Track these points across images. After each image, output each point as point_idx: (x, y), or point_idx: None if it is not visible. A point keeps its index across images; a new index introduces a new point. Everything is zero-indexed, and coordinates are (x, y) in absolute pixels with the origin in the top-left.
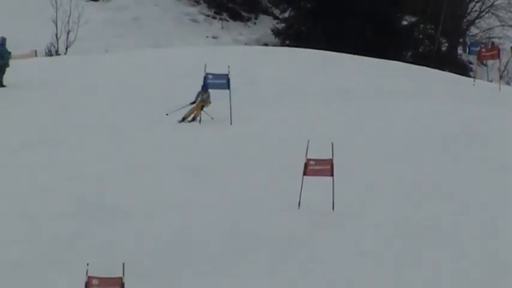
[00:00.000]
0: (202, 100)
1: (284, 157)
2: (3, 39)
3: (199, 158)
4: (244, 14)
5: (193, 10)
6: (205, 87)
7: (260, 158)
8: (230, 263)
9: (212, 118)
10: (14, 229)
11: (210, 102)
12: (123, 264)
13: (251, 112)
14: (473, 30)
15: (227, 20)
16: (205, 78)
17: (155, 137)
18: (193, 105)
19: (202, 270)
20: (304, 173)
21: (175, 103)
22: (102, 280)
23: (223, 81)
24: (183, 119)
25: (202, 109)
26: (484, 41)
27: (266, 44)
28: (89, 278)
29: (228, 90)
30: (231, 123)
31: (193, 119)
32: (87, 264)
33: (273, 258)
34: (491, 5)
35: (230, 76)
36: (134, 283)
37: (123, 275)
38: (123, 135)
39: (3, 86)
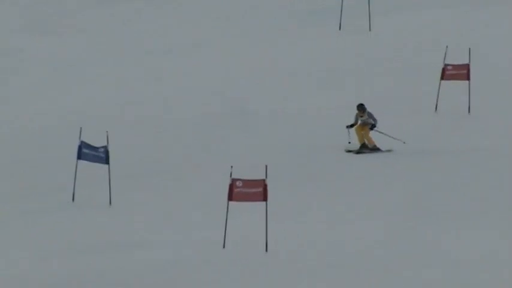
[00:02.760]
0: (363, 123)
1: (420, 61)
2: None
3: (333, 63)
4: None
5: None
6: (361, 107)
7: (395, 61)
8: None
9: (404, 142)
10: (156, 130)
11: (373, 124)
12: (266, 166)
13: (388, 16)
14: None
15: None
16: None
17: (292, 45)
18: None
19: (340, 173)
20: (442, 78)
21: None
22: (245, 182)
23: None
24: (361, 149)
25: (371, 129)
26: None
27: None
28: (233, 180)
29: None
30: (369, 30)
31: (374, 148)
32: (231, 166)
33: (407, 160)
34: None
35: None
36: (277, 185)
37: (266, 177)
38: (267, 42)
39: None
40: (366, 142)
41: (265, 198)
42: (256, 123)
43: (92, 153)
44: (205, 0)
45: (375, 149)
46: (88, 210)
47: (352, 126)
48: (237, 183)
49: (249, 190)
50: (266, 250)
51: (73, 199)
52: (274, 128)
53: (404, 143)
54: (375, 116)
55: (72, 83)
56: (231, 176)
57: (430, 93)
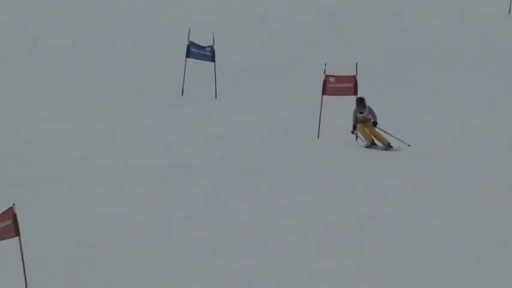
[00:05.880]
0: (362, 121)
1: None
2: None
3: None
4: None
5: None
6: (361, 101)
7: None
8: None
9: (409, 145)
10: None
11: (374, 121)
12: (356, 64)
13: None
14: None
15: None
16: None
17: None
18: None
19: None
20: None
21: None
22: (337, 78)
23: None
24: (372, 144)
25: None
26: None
27: None
28: (326, 76)
29: None
30: None
31: (389, 145)
32: (325, 64)
33: None
34: None
35: None
36: (366, 81)
37: (356, 74)
38: None
39: None
40: (376, 141)
41: (355, 93)
42: (349, 28)
43: (199, 52)
44: None
45: (389, 146)
46: (196, 104)
47: (354, 128)
48: (330, 79)
49: (340, 85)
50: (356, 140)
51: (182, 94)
52: (365, 33)
53: (409, 145)
54: (376, 112)
55: None
56: (324, 72)
57: None
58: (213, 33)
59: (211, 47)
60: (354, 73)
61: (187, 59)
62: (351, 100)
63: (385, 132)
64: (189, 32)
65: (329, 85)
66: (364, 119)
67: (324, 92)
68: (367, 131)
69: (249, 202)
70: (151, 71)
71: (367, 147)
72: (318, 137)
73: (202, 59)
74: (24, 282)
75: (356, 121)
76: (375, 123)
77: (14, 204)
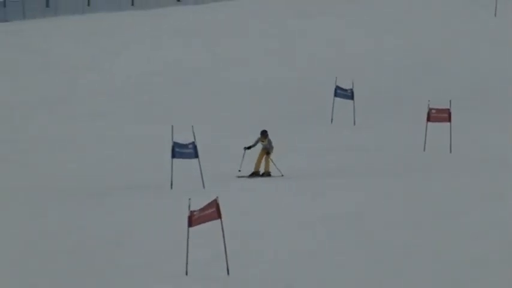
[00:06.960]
0: (264, 148)
1: None
2: None
3: None
4: None
5: None
6: (263, 132)
7: None
8: None
9: (282, 175)
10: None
11: (267, 150)
12: (450, 101)
13: None
14: None
15: None
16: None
17: None
18: (249, 150)
19: None
20: (428, 120)
21: None
22: (437, 110)
23: None
24: (253, 174)
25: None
26: None
27: None
28: (430, 109)
29: None
30: None
31: (267, 174)
32: (429, 100)
33: None
34: None
35: None
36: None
37: (450, 107)
38: None
39: None
40: (261, 168)
41: (449, 120)
42: None
43: (343, 93)
44: None
45: (268, 175)
46: (340, 127)
47: (249, 148)
48: (432, 110)
49: (439, 115)
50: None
51: (331, 121)
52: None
53: (282, 175)
54: (273, 143)
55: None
56: (428, 106)
57: None
58: (352, 81)
59: (351, 89)
60: (448, 106)
61: (335, 98)
62: (446, 126)
63: (272, 162)
64: (336, 79)
65: (432, 115)
66: (264, 148)
67: (428, 120)
68: (259, 160)
69: (367, 189)
70: (309, 102)
71: (239, 176)
72: (424, 150)
73: (345, 98)
74: (224, 252)
75: (254, 145)
76: (267, 152)
77: (217, 196)
